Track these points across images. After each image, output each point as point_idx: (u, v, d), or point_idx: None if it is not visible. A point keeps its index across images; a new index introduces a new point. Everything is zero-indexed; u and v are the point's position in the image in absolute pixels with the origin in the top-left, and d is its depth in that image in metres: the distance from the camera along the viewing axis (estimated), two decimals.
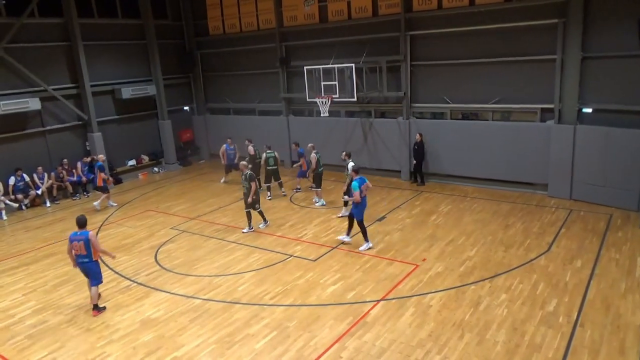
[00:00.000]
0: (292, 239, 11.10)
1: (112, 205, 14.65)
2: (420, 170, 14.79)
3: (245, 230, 11.68)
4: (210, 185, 16.45)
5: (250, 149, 15.11)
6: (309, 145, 13.59)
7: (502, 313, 7.48)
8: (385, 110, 15.77)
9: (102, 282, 8.34)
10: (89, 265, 8.03)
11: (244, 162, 12.20)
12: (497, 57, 13.20)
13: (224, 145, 16.17)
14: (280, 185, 14.66)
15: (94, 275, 8.12)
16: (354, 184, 9.83)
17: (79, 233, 7.94)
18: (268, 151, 14.30)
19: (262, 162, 14.56)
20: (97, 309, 8.23)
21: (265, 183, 14.49)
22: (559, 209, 11.96)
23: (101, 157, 14.64)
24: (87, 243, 7.86)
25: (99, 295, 8.46)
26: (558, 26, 12.03)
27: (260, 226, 11.81)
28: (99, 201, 14.28)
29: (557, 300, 7.76)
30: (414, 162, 14.81)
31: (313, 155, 13.13)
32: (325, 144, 16.34)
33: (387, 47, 14.77)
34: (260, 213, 11.84)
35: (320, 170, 13.30)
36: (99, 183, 14.09)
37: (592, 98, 12.05)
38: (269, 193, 14.41)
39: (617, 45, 11.37)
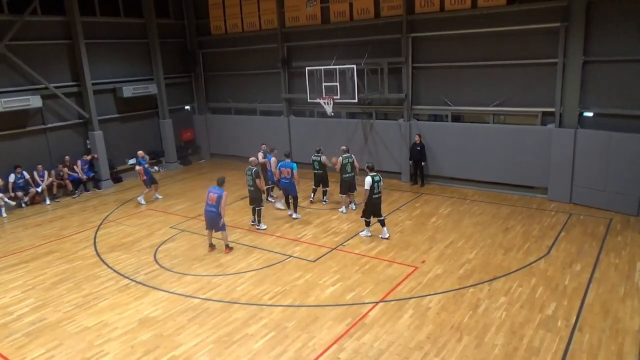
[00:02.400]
0: (292, 240, 11.10)
1: (158, 198, 14.87)
2: (421, 172, 14.78)
3: (261, 227, 11.79)
4: (211, 185, 16.39)
5: (260, 155, 13.61)
6: (342, 147, 12.74)
7: (500, 316, 7.48)
8: (386, 112, 15.77)
9: (225, 229, 10.38)
10: (214, 215, 10.16)
11: (253, 158, 12.16)
12: (499, 60, 13.20)
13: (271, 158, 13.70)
14: (324, 193, 13.68)
15: (218, 224, 10.20)
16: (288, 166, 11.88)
17: (216, 188, 10.24)
18: (315, 155, 13.29)
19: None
20: (228, 247, 10.46)
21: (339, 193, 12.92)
22: (559, 213, 11.96)
23: (140, 153, 14.68)
24: (219, 198, 10.07)
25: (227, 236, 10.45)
26: (560, 30, 12.04)
27: (261, 226, 11.81)
28: (142, 195, 14.62)
29: (556, 304, 7.76)
30: (410, 162, 14.90)
31: (339, 159, 12.41)
32: (326, 145, 16.30)
33: (389, 48, 14.77)
34: (258, 212, 11.80)
35: (345, 176, 12.45)
36: (143, 177, 14.44)
37: (593, 102, 12.05)
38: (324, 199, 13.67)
39: (619, 50, 11.37)
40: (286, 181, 12.08)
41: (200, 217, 12.96)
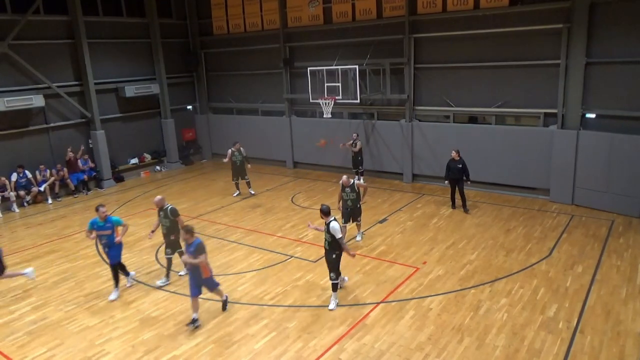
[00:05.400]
0: (293, 240, 11.10)
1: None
2: (461, 193, 12.38)
3: (160, 282, 9.24)
4: (212, 185, 16.46)
5: (229, 153, 14.27)
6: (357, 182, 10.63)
7: (502, 317, 7.47)
8: (388, 113, 15.76)
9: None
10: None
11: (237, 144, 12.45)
12: (501, 61, 13.18)
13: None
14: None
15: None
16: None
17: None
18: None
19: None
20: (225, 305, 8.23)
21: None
22: (561, 214, 11.94)
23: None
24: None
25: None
26: (562, 31, 12.02)
27: (158, 282, 9.24)
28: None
29: (557, 305, 7.74)
30: (446, 182, 12.56)
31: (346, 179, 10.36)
32: (328, 145, 16.34)
33: (391, 49, 14.77)
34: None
35: (348, 205, 10.36)
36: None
37: (595, 104, 12.02)
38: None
39: (622, 51, 11.35)
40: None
41: (201, 217, 12.99)
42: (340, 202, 10.59)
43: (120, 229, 8.74)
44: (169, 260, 9.26)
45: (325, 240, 7.93)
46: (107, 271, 9.83)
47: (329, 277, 8.10)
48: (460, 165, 12.15)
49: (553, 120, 12.74)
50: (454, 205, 12.68)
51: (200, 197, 14.94)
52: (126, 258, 10.42)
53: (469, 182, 12.29)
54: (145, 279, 9.42)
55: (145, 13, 18.22)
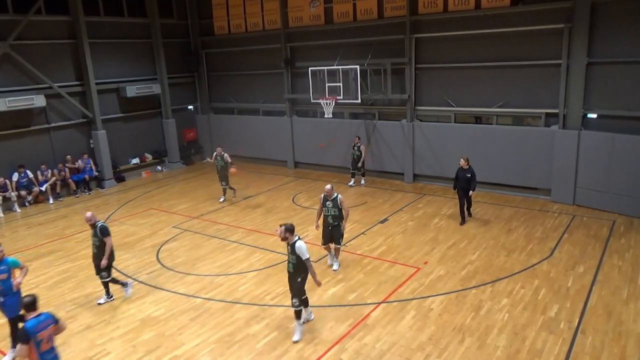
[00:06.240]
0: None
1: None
2: (469, 203, 11.69)
3: (102, 301, 8.55)
4: (213, 185, 16.43)
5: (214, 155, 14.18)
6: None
7: (503, 318, 7.46)
8: (389, 113, 15.75)
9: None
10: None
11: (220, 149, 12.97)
12: (502, 61, 13.17)
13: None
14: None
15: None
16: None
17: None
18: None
19: None
20: None
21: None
22: (562, 214, 11.92)
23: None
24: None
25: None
26: (564, 31, 12.00)
27: (100, 301, 8.57)
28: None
29: (558, 306, 7.73)
30: (456, 191, 11.61)
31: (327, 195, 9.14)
32: (328, 146, 16.37)
33: (392, 49, 14.76)
34: (106, 284, 8.57)
35: (328, 222, 9.19)
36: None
37: (597, 104, 12.00)
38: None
39: (623, 51, 11.33)
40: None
41: (202, 217, 13.00)
42: (320, 219, 9.32)
43: (17, 271, 7.11)
44: (106, 283, 8.48)
45: (289, 262, 7.03)
46: None
47: (291, 304, 7.16)
48: (469, 175, 11.20)
49: (554, 120, 12.72)
50: (463, 221, 11.51)
51: (201, 197, 14.94)
52: (127, 258, 10.47)
53: (471, 193, 11.30)
54: (146, 279, 9.42)
55: (146, 13, 18.23)
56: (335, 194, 9.07)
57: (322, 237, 9.36)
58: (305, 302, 7.27)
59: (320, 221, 9.36)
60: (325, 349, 6.88)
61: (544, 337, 6.92)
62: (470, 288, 8.45)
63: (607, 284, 8.36)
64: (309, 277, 7.08)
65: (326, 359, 6.69)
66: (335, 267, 9.43)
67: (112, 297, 8.62)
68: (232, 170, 13.63)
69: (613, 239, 10.31)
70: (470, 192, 11.30)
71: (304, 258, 6.86)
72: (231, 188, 14.31)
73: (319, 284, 7.16)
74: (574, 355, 6.50)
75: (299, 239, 6.98)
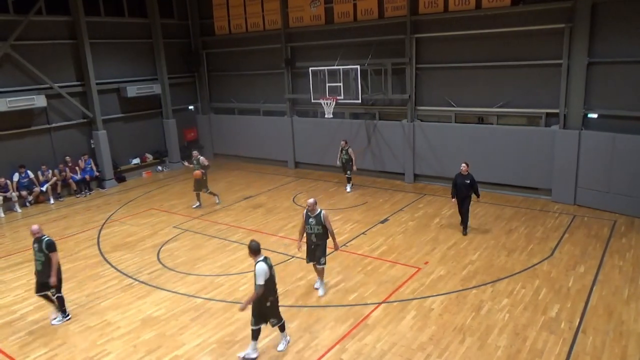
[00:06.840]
0: (294, 240, 11.06)
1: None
2: (466, 212, 10.81)
3: (55, 321, 7.95)
4: (213, 185, 16.40)
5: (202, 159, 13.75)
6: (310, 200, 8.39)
7: (503, 318, 7.45)
8: (389, 113, 15.75)
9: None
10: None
11: (196, 152, 12.97)
12: (503, 61, 13.16)
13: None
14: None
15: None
16: None
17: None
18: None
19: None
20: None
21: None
22: (563, 214, 11.91)
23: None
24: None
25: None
26: (564, 31, 11.99)
27: (53, 322, 7.97)
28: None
29: (559, 306, 7.73)
30: (453, 200, 10.86)
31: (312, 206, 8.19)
32: (329, 146, 16.36)
33: (393, 49, 14.76)
34: (61, 302, 8.03)
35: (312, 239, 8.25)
36: None
37: (597, 103, 12.00)
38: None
39: (624, 51, 11.32)
40: None
41: (203, 217, 13.00)
42: (303, 237, 8.41)
43: None
44: (60, 299, 7.93)
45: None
46: (108, 271, 9.89)
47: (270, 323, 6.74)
48: (469, 181, 10.46)
49: (555, 120, 12.71)
50: (465, 231, 10.84)
51: (201, 197, 14.93)
52: (127, 258, 10.47)
53: (478, 199, 10.71)
54: (147, 279, 9.42)
55: (146, 13, 18.23)
56: (319, 210, 8.11)
57: (307, 255, 8.49)
58: (282, 325, 6.89)
59: (304, 239, 8.41)
60: (326, 349, 6.88)
61: (545, 337, 6.92)
62: (470, 288, 8.44)
63: (607, 284, 8.35)
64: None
65: (326, 359, 6.68)
66: (320, 292, 8.47)
67: (68, 316, 8.02)
68: (196, 172, 13.34)
69: (614, 239, 10.30)
70: (478, 198, 10.69)
71: (255, 282, 6.31)
72: (212, 194, 14.12)
73: (242, 309, 6.52)
74: (574, 355, 6.50)
75: (262, 260, 6.38)
